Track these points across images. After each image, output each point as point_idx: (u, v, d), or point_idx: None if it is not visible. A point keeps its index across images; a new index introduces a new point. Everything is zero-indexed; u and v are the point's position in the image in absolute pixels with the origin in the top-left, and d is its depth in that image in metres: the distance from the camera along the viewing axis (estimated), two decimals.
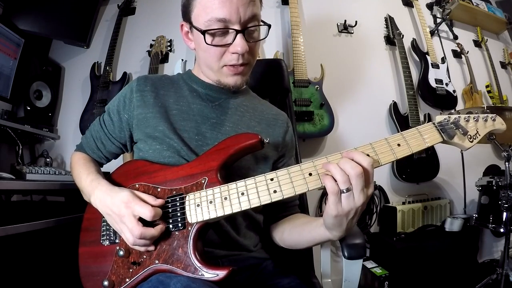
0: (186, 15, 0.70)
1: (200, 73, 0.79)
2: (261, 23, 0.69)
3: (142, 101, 0.75)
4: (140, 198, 0.60)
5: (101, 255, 0.64)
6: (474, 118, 0.58)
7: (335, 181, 0.50)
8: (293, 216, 0.79)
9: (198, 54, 0.73)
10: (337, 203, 0.51)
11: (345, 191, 0.49)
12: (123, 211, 0.58)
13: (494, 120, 0.59)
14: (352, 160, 0.51)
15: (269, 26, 0.70)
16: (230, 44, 0.65)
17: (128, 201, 0.58)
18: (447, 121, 0.57)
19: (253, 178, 0.56)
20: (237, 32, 0.64)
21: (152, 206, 0.58)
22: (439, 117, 0.58)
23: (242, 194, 0.56)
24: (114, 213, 0.59)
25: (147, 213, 0.56)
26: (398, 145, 0.54)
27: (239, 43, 0.64)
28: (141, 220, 0.57)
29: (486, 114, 0.59)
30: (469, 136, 0.57)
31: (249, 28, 0.65)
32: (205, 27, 0.64)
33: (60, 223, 1.14)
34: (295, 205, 0.81)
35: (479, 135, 0.58)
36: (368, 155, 0.52)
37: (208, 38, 0.65)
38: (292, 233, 0.72)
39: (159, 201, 0.60)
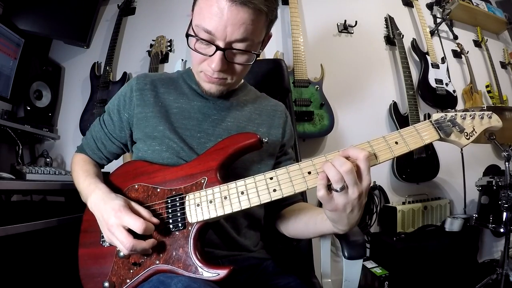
0: (192, 7, 0.68)
1: None
2: (250, 50, 0.63)
3: (142, 100, 0.75)
4: (134, 209, 0.59)
5: (101, 257, 0.64)
6: (470, 116, 0.58)
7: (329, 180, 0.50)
8: (296, 205, 0.78)
9: None
10: (330, 201, 0.51)
11: (339, 190, 0.49)
12: (111, 220, 0.56)
13: (490, 117, 0.59)
14: (348, 156, 0.51)
15: (257, 55, 0.66)
16: (210, 56, 0.63)
17: (119, 210, 0.57)
18: (444, 118, 0.57)
19: (253, 177, 0.57)
20: (218, 49, 0.61)
21: (145, 220, 0.56)
22: (436, 115, 0.58)
23: (242, 193, 0.56)
24: (104, 219, 0.59)
25: (138, 226, 0.54)
26: (396, 142, 0.54)
27: (216, 61, 0.62)
28: (132, 231, 0.55)
29: (483, 112, 0.59)
30: (465, 134, 0.57)
31: (233, 49, 0.62)
32: (193, 31, 0.63)
33: (60, 223, 1.13)
34: (296, 194, 0.81)
35: (476, 132, 0.58)
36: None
37: (192, 42, 0.64)
38: (297, 225, 0.72)
39: (155, 220, 0.58)
